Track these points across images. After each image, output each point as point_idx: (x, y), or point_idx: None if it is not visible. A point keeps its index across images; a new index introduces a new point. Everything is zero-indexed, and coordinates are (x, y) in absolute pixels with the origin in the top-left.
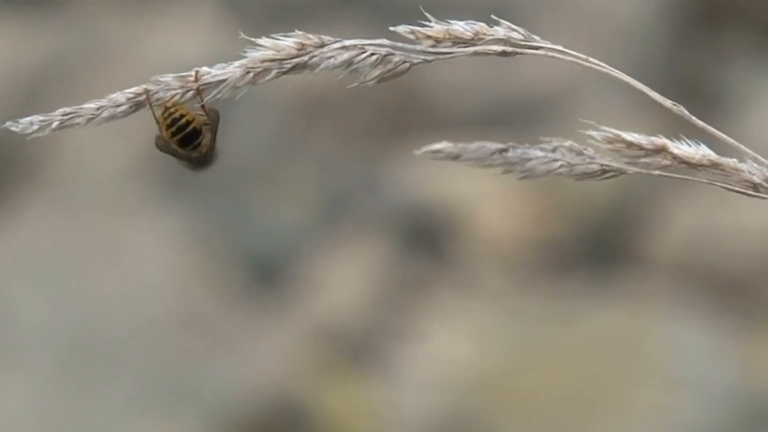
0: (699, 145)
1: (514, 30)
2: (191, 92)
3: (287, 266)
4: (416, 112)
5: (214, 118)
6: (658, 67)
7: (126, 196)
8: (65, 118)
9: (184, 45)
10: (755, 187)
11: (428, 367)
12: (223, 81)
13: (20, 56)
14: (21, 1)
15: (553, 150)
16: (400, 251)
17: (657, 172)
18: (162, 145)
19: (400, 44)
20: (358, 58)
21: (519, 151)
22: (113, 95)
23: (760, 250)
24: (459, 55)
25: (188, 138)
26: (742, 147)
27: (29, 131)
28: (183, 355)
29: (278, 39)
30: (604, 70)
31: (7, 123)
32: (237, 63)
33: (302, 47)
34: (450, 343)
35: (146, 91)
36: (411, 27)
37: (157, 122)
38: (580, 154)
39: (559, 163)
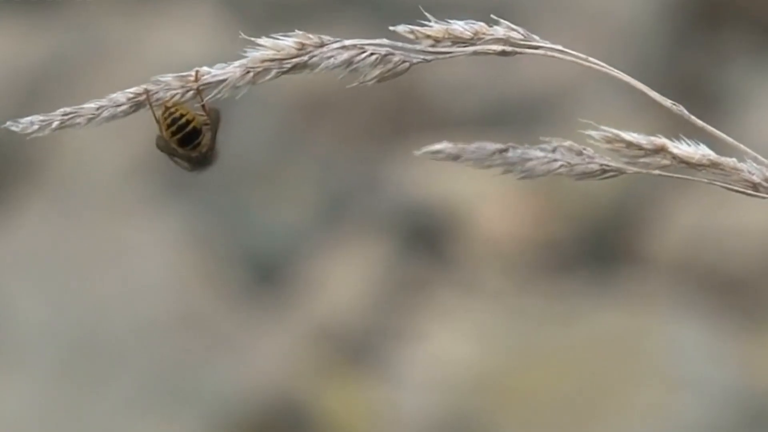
0: (698, 144)
1: (513, 30)
2: (191, 92)
3: (287, 266)
4: (416, 112)
5: (215, 118)
6: (658, 67)
7: (126, 196)
8: (65, 117)
9: (184, 45)
10: (755, 186)
11: (428, 367)
12: (223, 81)
13: (20, 56)
14: (21, 1)
15: (553, 150)
16: (400, 251)
17: (657, 172)
18: (163, 145)
19: (399, 44)
20: (358, 58)
21: (519, 151)
22: (113, 95)
23: (760, 250)
24: (458, 54)
25: (188, 138)
26: (742, 146)
27: (29, 131)
28: (183, 355)
29: (278, 39)
30: (603, 69)
31: (8, 123)
32: (237, 63)
33: (302, 47)
34: (450, 343)
35: (146, 91)
36: (410, 27)
37: (158, 122)
38: (579, 154)
39: (558, 163)
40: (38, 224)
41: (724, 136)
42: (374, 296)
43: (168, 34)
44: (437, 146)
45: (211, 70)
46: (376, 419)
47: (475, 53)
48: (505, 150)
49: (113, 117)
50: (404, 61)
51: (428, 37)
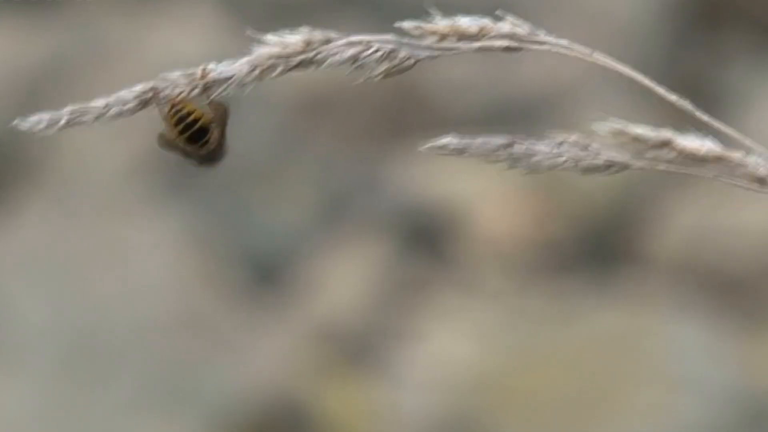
0: (704, 138)
1: (518, 26)
2: (198, 89)
3: (287, 266)
4: (417, 112)
5: (222, 114)
6: (659, 66)
7: (126, 196)
8: (73, 116)
9: (184, 45)
10: (760, 181)
11: (428, 367)
12: (230, 77)
13: (20, 56)
14: (21, 1)
15: (559, 145)
16: (400, 251)
17: (662, 167)
18: (164, 143)
19: (405, 40)
20: (364, 54)
21: (524, 145)
22: (120, 93)
23: (760, 250)
24: (464, 50)
25: (196, 135)
26: (748, 142)
27: (37, 129)
28: (183, 355)
29: (284, 35)
30: (608, 65)
31: (16, 121)
32: (243, 59)
33: (308, 43)
34: (450, 343)
35: (153, 89)
36: (416, 23)
37: (165, 120)
38: (585, 148)
39: (564, 158)
40: (38, 224)
41: (729, 130)
42: (374, 296)
43: (168, 34)
44: (443, 141)
45: (218, 66)
46: (376, 419)
47: (480, 49)
48: (511, 144)
49: (120, 114)
50: (410, 57)
51: (434, 33)
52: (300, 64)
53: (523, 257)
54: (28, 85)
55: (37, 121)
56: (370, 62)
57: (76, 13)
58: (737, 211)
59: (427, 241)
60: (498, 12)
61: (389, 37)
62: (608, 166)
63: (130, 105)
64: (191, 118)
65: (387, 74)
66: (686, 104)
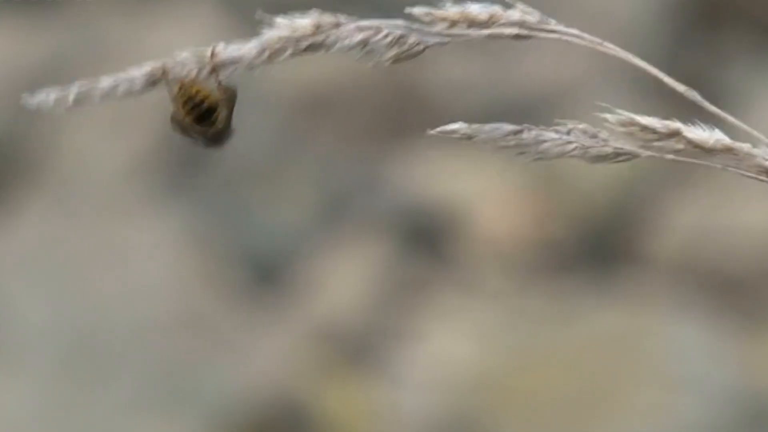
0: (713, 129)
1: (528, 13)
2: (207, 70)
3: (287, 266)
4: (417, 112)
5: (231, 96)
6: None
7: (126, 196)
8: (81, 93)
9: (184, 45)
10: None
11: (428, 367)
12: (239, 59)
13: (20, 56)
14: (21, 1)
15: (568, 132)
16: (400, 251)
17: (670, 156)
18: (177, 123)
19: (415, 25)
20: (374, 39)
21: (534, 132)
22: (129, 71)
23: (760, 250)
24: (474, 37)
25: (204, 115)
26: (755, 133)
27: (45, 106)
28: (183, 355)
29: (294, 18)
30: (618, 54)
31: (23, 98)
32: (253, 41)
33: (318, 27)
34: (450, 343)
35: (162, 68)
36: (426, 9)
37: (173, 99)
38: (594, 137)
39: (573, 146)
40: (38, 224)
41: (737, 121)
42: (374, 296)
43: (168, 34)
44: (452, 126)
45: (228, 47)
46: (376, 419)
47: (490, 36)
48: (520, 131)
49: (129, 93)
50: (419, 43)
51: (444, 19)
52: (309, 48)
53: (523, 257)
54: (28, 85)
55: (44, 97)
56: (380, 47)
57: (76, 13)
58: (737, 211)
59: (427, 241)
60: (508, 0)
61: (399, 22)
62: (617, 155)
63: (139, 84)
64: (199, 97)
65: (396, 59)
66: (695, 95)
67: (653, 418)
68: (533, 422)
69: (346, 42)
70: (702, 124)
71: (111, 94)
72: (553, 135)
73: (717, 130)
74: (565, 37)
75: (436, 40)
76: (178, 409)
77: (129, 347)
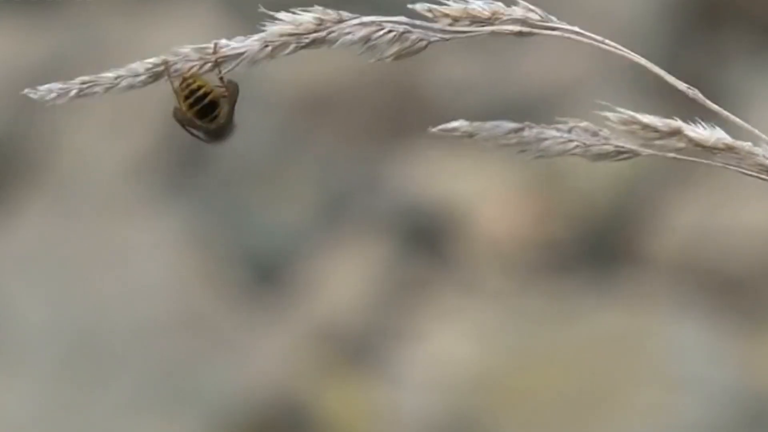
0: (714, 128)
1: (531, 10)
2: (209, 64)
3: (287, 266)
4: (417, 112)
5: (233, 91)
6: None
7: (126, 196)
8: (84, 86)
9: (184, 45)
10: None
11: (428, 367)
12: (242, 54)
13: (20, 56)
14: (21, 1)
15: (569, 130)
16: (400, 251)
17: (671, 155)
18: (180, 117)
19: (417, 22)
20: (376, 35)
21: (535, 130)
22: (132, 65)
23: (760, 250)
24: (476, 33)
25: (205, 109)
26: (756, 132)
27: (48, 99)
28: (183, 355)
29: (297, 14)
30: (620, 52)
31: (26, 90)
32: (256, 36)
33: (321, 22)
34: (450, 343)
35: (165, 62)
36: (429, 5)
37: (175, 93)
38: (595, 135)
39: (574, 144)
40: (38, 224)
41: (738, 120)
42: (374, 296)
43: (168, 34)
44: (453, 124)
45: (230, 42)
46: (376, 419)
47: (492, 33)
48: (521, 129)
49: (131, 87)
50: (422, 39)
51: (446, 15)
52: (312, 43)
53: (523, 257)
54: (28, 85)
55: (47, 90)
56: (382, 43)
57: (76, 13)
58: (737, 210)
59: (427, 241)
60: None
61: (402, 18)
62: (618, 153)
63: (142, 77)
64: (201, 92)
65: (398, 56)
66: (696, 93)
67: (653, 418)
68: (533, 422)
69: (349, 38)
70: (703, 123)
71: (113, 87)
72: (554, 133)
73: (718, 129)
74: (567, 35)
75: (439, 36)
76: (178, 409)
77: (129, 347)
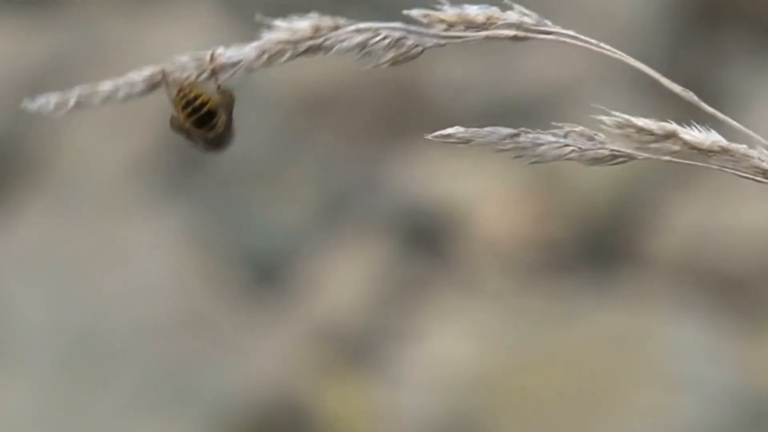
0: (709, 131)
1: (526, 15)
2: (206, 73)
3: (287, 266)
4: (417, 112)
5: (229, 99)
6: (659, 67)
7: (126, 196)
8: (81, 97)
9: (183, 45)
10: (765, 173)
11: (428, 367)
12: (238, 62)
13: (20, 56)
14: (21, 1)
15: (565, 135)
16: (400, 251)
17: (666, 158)
18: (177, 126)
19: (413, 28)
20: (372, 41)
21: (530, 135)
22: (129, 75)
23: (760, 250)
24: (472, 39)
25: (203, 119)
26: (752, 134)
27: (45, 110)
28: (183, 355)
29: (293, 21)
30: (614, 56)
31: (23, 103)
32: (252, 44)
33: (317, 29)
34: (450, 343)
35: (162, 72)
36: (424, 11)
37: (173, 103)
38: (590, 139)
39: (570, 148)
40: (38, 224)
41: (733, 122)
42: (374, 296)
43: (168, 34)
44: (449, 130)
45: (227, 51)
46: (376, 419)
47: (488, 38)
48: (517, 135)
49: (129, 97)
50: (417, 45)
51: (442, 21)
52: (308, 50)
53: (523, 257)
54: (29, 85)
55: (45, 102)
56: (378, 49)
57: (76, 13)
58: (737, 211)
59: (427, 241)
60: (506, 1)
61: (397, 24)
62: (614, 157)
63: (139, 88)
64: (198, 101)
65: (394, 62)
66: (691, 95)
67: (653, 418)
68: (533, 422)
69: (345, 44)
70: (699, 126)
71: (111, 98)
72: (549, 138)
73: (713, 132)
74: (562, 39)
75: (434, 42)
76: (178, 409)
77: (129, 347)
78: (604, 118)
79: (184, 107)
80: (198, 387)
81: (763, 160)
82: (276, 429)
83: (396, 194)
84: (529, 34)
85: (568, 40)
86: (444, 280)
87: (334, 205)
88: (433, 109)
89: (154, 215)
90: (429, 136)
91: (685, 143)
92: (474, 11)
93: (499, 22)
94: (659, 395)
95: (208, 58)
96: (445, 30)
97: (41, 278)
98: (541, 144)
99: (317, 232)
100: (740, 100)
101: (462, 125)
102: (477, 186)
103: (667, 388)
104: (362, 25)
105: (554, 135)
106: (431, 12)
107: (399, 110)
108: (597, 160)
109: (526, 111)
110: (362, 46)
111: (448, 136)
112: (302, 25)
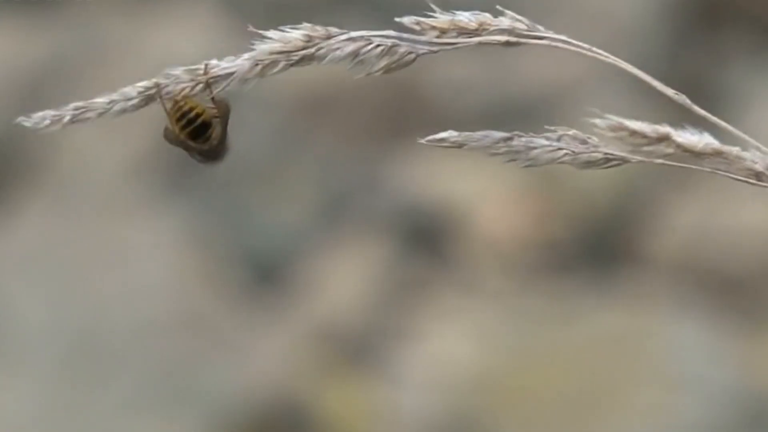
0: (702, 133)
1: (518, 20)
2: (201, 85)
3: (287, 266)
4: (417, 112)
5: (225, 111)
6: (659, 66)
7: (126, 196)
8: (77, 112)
9: (183, 45)
10: (758, 175)
11: (428, 367)
12: (232, 74)
13: (20, 56)
14: (21, 1)
15: (558, 139)
16: (400, 251)
17: (660, 161)
18: (171, 138)
19: (405, 35)
20: (365, 50)
21: (524, 139)
22: (124, 89)
23: (760, 250)
24: (464, 45)
25: (198, 131)
26: (745, 136)
27: (41, 126)
28: (183, 355)
29: (286, 31)
30: (607, 60)
31: (20, 118)
32: (246, 55)
33: (309, 39)
34: (450, 343)
35: (157, 85)
36: (416, 18)
37: (168, 116)
38: (584, 142)
39: (563, 152)
40: (38, 224)
41: (726, 125)
42: (374, 296)
43: (168, 34)
44: (442, 134)
45: (220, 63)
46: (376, 419)
47: (480, 44)
48: (510, 138)
49: (124, 111)
50: (410, 52)
51: (434, 28)
52: (301, 60)
53: (523, 257)
54: (29, 84)
55: (41, 118)
56: (371, 57)
57: (76, 13)
58: (737, 211)
59: (427, 241)
60: (497, 7)
61: (390, 32)
62: (607, 160)
63: (134, 101)
64: (193, 113)
65: (387, 69)
66: (683, 98)
67: (653, 418)
68: (533, 422)
69: (338, 53)
70: (692, 128)
71: (106, 111)
72: (543, 141)
73: (707, 134)
74: (554, 44)
75: (427, 49)
76: (178, 409)
77: (129, 347)
78: (597, 121)
79: (179, 119)
80: (198, 387)
81: (756, 163)
82: (276, 429)
83: (396, 194)
84: (522, 40)
85: (560, 45)
86: (444, 280)
87: (334, 205)
88: (433, 110)
89: (154, 215)
90: (422, 140)
91: (678, 146)
92: (466, 18)
93: (492, 28)
94: (659, 395)
95: (202, 70)
96: (438, 37)
97: (41, 278)
98: (534, 148)
99: (317, 232)
100: (740, 100)
101: (461, 126)
102: (477, 186)
103: (667, 388)
104: (354, 34)
105: (547, 138)
106: (423, 19)
107: (399, 110)
108: (590, 164)
109: (526, 111)
110: (355, 54)
111: (442, 140)
112: (295, 35)
